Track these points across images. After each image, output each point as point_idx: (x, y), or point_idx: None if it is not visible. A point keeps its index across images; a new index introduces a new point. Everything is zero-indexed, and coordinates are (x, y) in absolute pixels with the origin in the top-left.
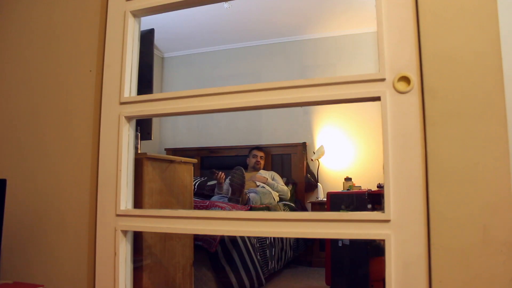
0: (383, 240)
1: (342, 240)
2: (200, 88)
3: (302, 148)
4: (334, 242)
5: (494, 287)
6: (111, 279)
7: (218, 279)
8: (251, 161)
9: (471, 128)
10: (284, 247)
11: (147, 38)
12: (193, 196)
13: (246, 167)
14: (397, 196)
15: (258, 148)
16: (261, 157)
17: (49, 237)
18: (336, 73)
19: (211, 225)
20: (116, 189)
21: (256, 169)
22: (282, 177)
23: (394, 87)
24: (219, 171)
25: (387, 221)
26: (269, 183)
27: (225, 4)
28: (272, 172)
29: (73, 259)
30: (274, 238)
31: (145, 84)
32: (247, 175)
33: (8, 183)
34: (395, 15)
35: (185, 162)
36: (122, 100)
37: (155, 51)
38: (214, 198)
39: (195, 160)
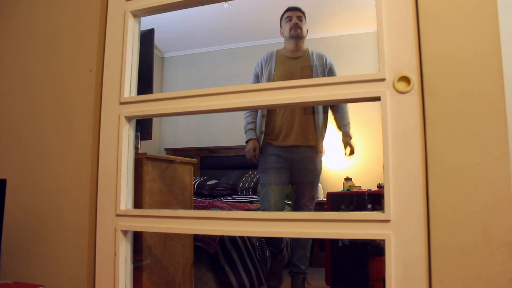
0: (383, 240)
1: (342, 240)
2: (200, 88)
3: None
4: (334, 242)
5: (494, 287)
6: (111, 279)
7: (218, 279)
8: (286, 28)
9: (471, 128)
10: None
11: (147, 38)
12: (193, 196)
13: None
14: (397, 196)
15: (291, 8)
16: (298, 17)
17: (49, 237)
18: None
19: (211, 225)
20: (116, 189)
21: (297, 37)
22: None
23: (394, 87)
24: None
25: (387, 221)
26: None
27: (225, 4)
28: (322, 56)
29: (73, 259)
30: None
31: (145, 84)
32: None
33: (8, 183)
34: (395, 15)
35: (185, 162)
36: (122, 100)
37: (155, 51)
38: None
39: (195, 160)
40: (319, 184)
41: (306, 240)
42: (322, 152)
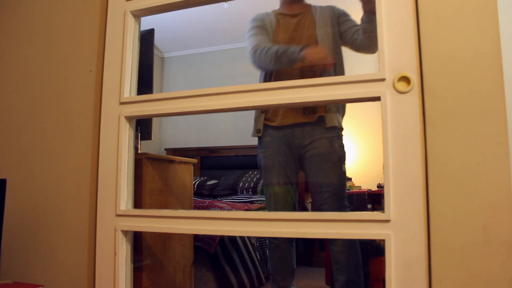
0: (383, 240)
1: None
2: (200, 88)
3: None
4: None
5: (494, 287)
6: (111, 279)
7: (218, 279)
8: None
9: (471, 128)
10: None
11: (147, 38)
12: (193, 196)
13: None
14: (397, 196)
15: None
16: None
17: (49, 237)
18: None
19: (211, 225)
20: (116, 189)
21: None
22: None
23: (394, 87)
24: None
25: (387, 221)
26: None
27: (225, 4)
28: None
29: (73, 259)
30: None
31: (145, 84)
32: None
33: (8, 183)
34: (395, 15)
35: (185, 162)
36: (122, 100)
37: (155, 51)
38: None
39: (195, 160)
40: None
41: (355, 262)
42: (339, 126)
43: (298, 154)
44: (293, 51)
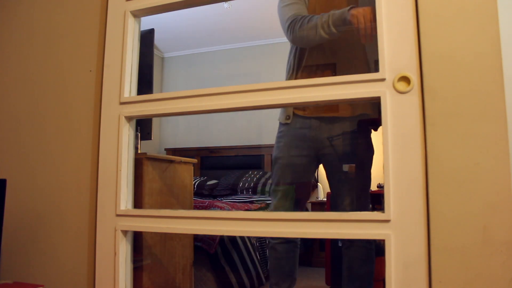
0: (383, 240)
1: (342, 240)
2: (200, 88)
3: None
4: (334, 242)
5: (494, 287)
6: (111, 279)
7: (218, 279)
8: None
9: (471, 128)
10: None
11: (147, 38)
12: (193, 196)
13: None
14: (397, 196)
15: None
16: None
17: (49, 237)
18: None
19: (211, 225)
20: (116, 189)
21: None
22: None
23: (394, 87)
24: None
25: (387, 221)
26: None
27: (225, 4)
28: None
29: (73, 259)
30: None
31: (145, 84)
32: None
33: (8, 183)
34: (395, 15)
35: (185, 162)
36: (122, 100)
37: (155, 51)
38: None
39: (195, 160)
40: (319, 184)
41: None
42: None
43: (320, 149)
44: (342, 11)
